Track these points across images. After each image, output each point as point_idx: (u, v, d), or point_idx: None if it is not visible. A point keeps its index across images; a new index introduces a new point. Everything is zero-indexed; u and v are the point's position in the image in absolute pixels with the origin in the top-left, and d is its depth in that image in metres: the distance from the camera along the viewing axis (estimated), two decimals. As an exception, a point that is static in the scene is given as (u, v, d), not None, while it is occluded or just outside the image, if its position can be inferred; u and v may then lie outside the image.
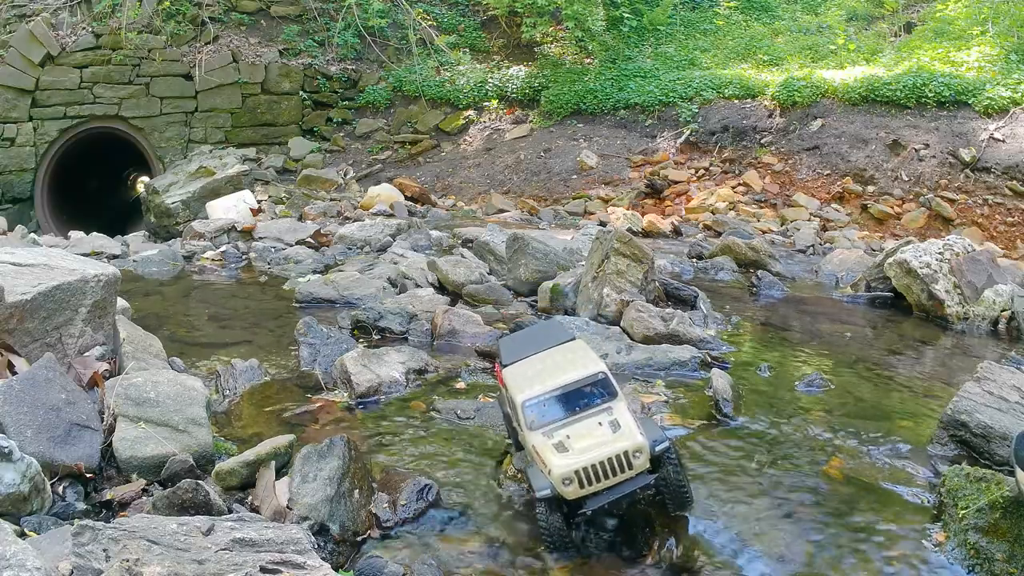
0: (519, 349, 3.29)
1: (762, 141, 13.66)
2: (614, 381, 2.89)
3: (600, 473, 2.63)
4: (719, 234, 9.98)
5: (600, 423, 2.76)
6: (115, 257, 8.39)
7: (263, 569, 2.05)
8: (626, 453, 2.63)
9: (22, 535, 2.38)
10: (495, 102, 16.53)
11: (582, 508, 2.66)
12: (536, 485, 2.70)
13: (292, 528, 2.29)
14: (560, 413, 2.84)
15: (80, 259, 4.05)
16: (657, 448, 2.67)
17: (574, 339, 3.22)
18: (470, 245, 7.96)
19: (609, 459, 2.62)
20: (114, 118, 16.42)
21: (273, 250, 8.53)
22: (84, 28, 16.27)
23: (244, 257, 8.37)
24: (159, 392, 3.25)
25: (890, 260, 6.22)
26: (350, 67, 17.61)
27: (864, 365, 4.76)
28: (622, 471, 2.63)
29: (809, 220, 11.59)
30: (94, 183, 19.19)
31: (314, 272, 7.40)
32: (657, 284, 5.79)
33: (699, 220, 11.49)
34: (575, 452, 2.68)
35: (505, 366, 3.18)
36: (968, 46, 13.59)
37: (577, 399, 2.85)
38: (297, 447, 3.10)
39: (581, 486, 2.63)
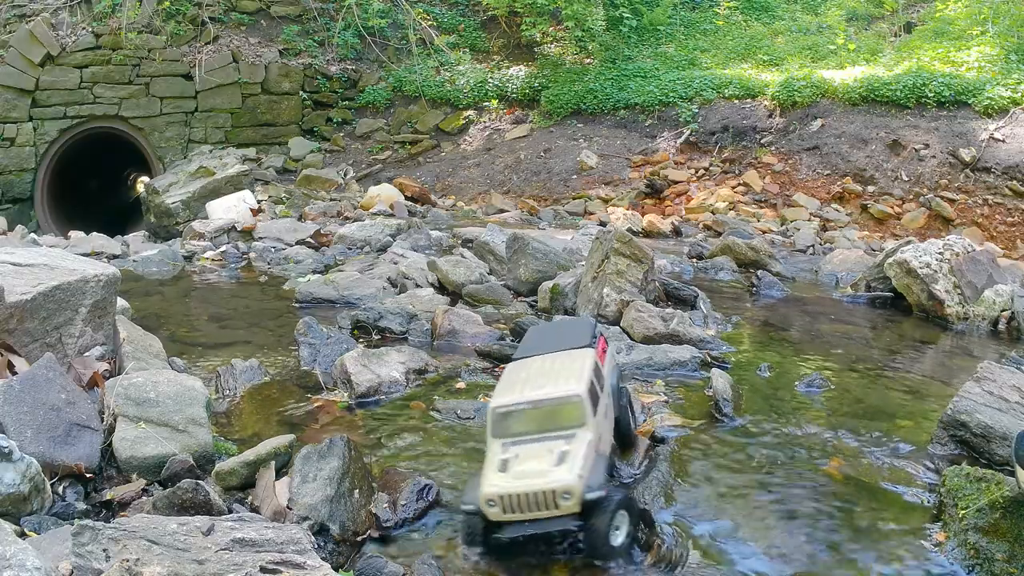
0: (535, 344, 3.25)
1: (762, 141, 13.67)
2: (588, 408, 2.74)
3: (523, 504, 2.53)
4: (719, 234, 9.98)
5: (551, 450, 2.64)
6: (115, 257, 8.38)
7: (263, 569, 2.05)
8: (554, 492, 2.50)
9: (22, 535, 2.38)
10: (495, 102, 16.53)
11: (501, 530, 2.60)
12: (467, 495, 2.66)
13: (292, 528, 2.29)
14: (522, 428, 2.75)
15: (80, 259, 4.05)
16: (588, 496, 2.51)
17: (587, 346, 3.09)
18: (470, 245, 7.96)
19: (535, 493, 2.51)
20: (114, 118, 16.41)
21: (273, 250, 8.53)
22: (84, 28, 16.27)
23: (244, 257, 8.37)
24: (159, 392, 3.25)
25: (890, 260, 6.22)
26: (350, 67, 17.61)
27: (864, 365, 4.76)
28: (546, 508, 2.52)
29: (809, 220, 11.59)
30: (94, 183, 19.18)
31: (314, 272, 7.40)
32: (657, 284, 5.80)
33: (699, 220, 11.49)
34: (511, 475, 2.59)
35: (513, 359, 3.16)
36: (968, 46, 13.60)
37: (543, 418, 2.75)
38: (297, 447, 3.09)
39: (504, 511, 2.55)
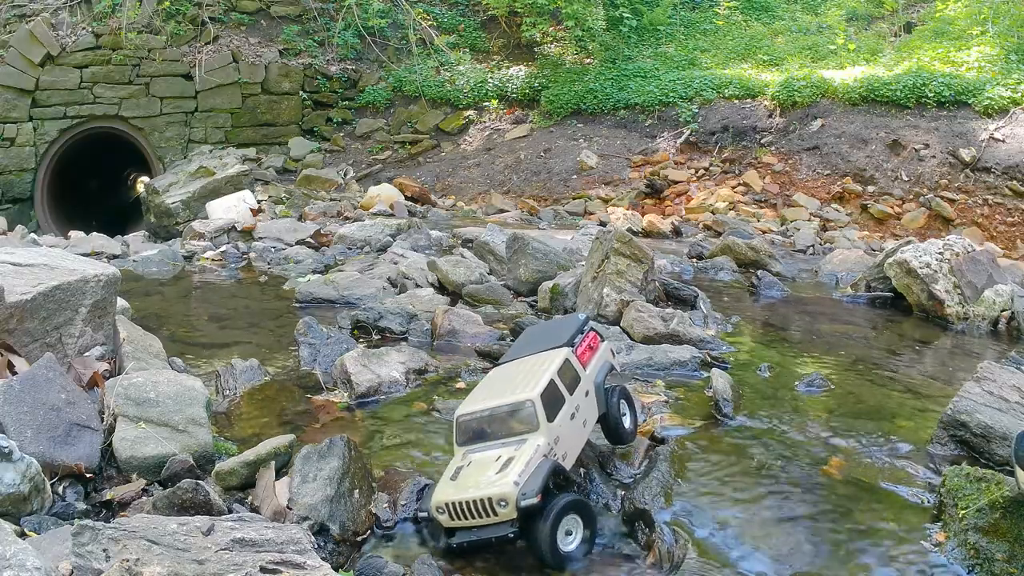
0: (519, 347, 3.27)
1: (762, 141, 13.67)
2: (541, 412, 2.75)
3: (465, 512, 2.59)
4: (719, 234, 9.98)
5: (499, 458, 2.69)
6: (115, 257, 8.38)
7: (263, 569, 2.05)
8: (490, 500, 2.54)
9: (22, 535, 2.38)
10: (495, 102, 16.54)
11: (453, 535, 2.67)
12: (423, 502, 2.79)
13: (292, 528, 2.29)
14: (480, 436, 2.82)
15: (80, 259, 4.05)
16: (522, 503, 2.53)
17: (564, 346, 3.08)
18: (470, 245, 7.96)
19: (474, 501, 2.56)
20: (114, 118, 16.42)
21: (273, 250, 8.53)
22: (84, 28, 16.28)
23: (244, 257, 8.37)
24: (159, 392, 3.25)
25: (890, 260, 6.22)
26: (350, 67, 17.61)
27: (864, 365, 4.76)
28: (485, 516, 2.57)
29: (809, 220, 11.60)
30: (94, 183, 19.19)
31: (314, 272, 7.40)
32: (657, 284, 5.80)
33: (699, 220, 11.50)
34: (459, 484, 2.65)
35: (498, 363, 3.16)
36: (968, 46, 13.61)
37: (498, 425, 2.80)
38: (297, 447, 3.09)
39: (451, 519, 2.62)
